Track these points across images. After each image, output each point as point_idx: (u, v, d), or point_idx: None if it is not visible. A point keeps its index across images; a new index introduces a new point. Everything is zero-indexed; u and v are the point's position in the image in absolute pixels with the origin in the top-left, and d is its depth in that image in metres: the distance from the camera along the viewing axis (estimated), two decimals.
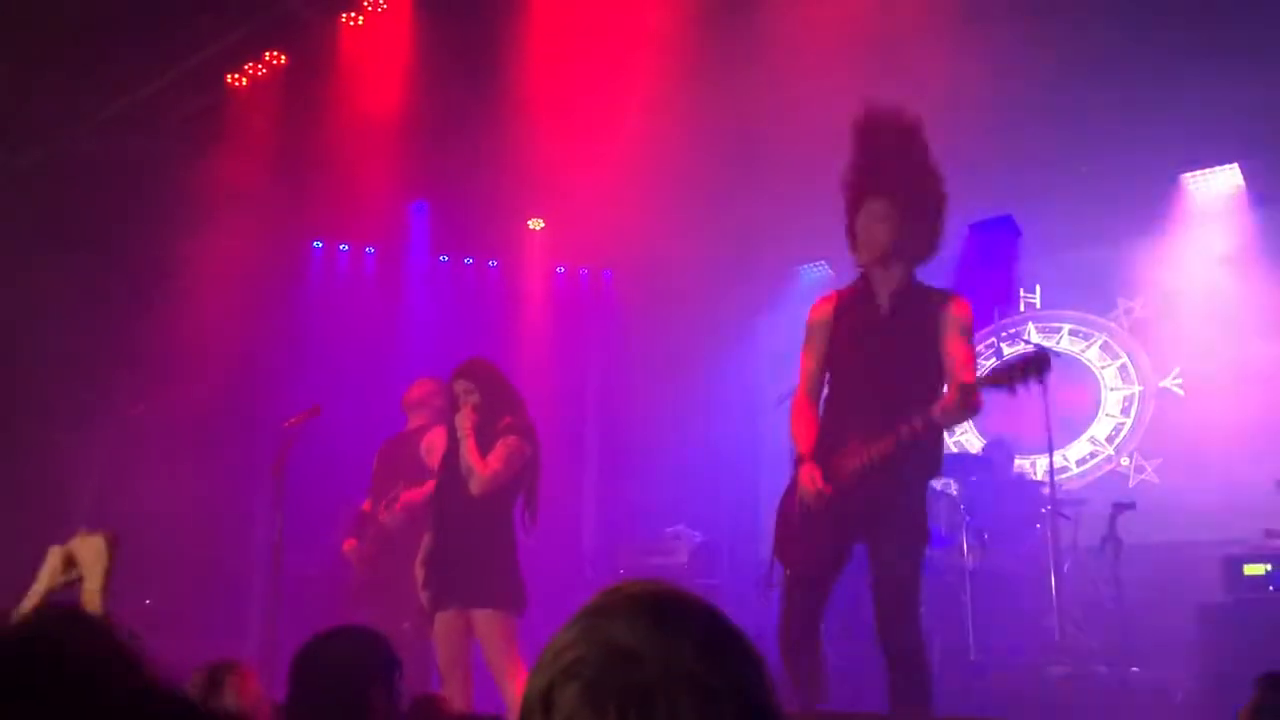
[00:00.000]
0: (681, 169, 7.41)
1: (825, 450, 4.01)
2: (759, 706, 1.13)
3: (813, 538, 4.01)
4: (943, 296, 4.06)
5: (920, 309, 4.02)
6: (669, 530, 8.65)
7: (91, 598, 2.79)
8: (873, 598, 3.95)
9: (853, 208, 4.15)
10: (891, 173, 4.08)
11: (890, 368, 3.96)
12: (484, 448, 5.06)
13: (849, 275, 9.02)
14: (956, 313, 3.99)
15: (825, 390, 4.19)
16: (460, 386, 5.18)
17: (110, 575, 2.86)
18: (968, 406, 3.75)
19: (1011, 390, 3.73)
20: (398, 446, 6.55)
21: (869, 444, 3.84)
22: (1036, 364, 3.69)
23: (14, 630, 1.46)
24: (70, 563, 2.84)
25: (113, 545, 2.91)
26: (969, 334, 4.02)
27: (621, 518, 9.30)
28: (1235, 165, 8.05)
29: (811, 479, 3.93)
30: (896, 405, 3.84)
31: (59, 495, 8.08)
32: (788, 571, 4.11)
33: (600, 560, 9.24)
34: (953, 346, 3.92)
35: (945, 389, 3.86)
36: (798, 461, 4.07)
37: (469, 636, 5.07)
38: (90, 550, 2.88)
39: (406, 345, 9.27)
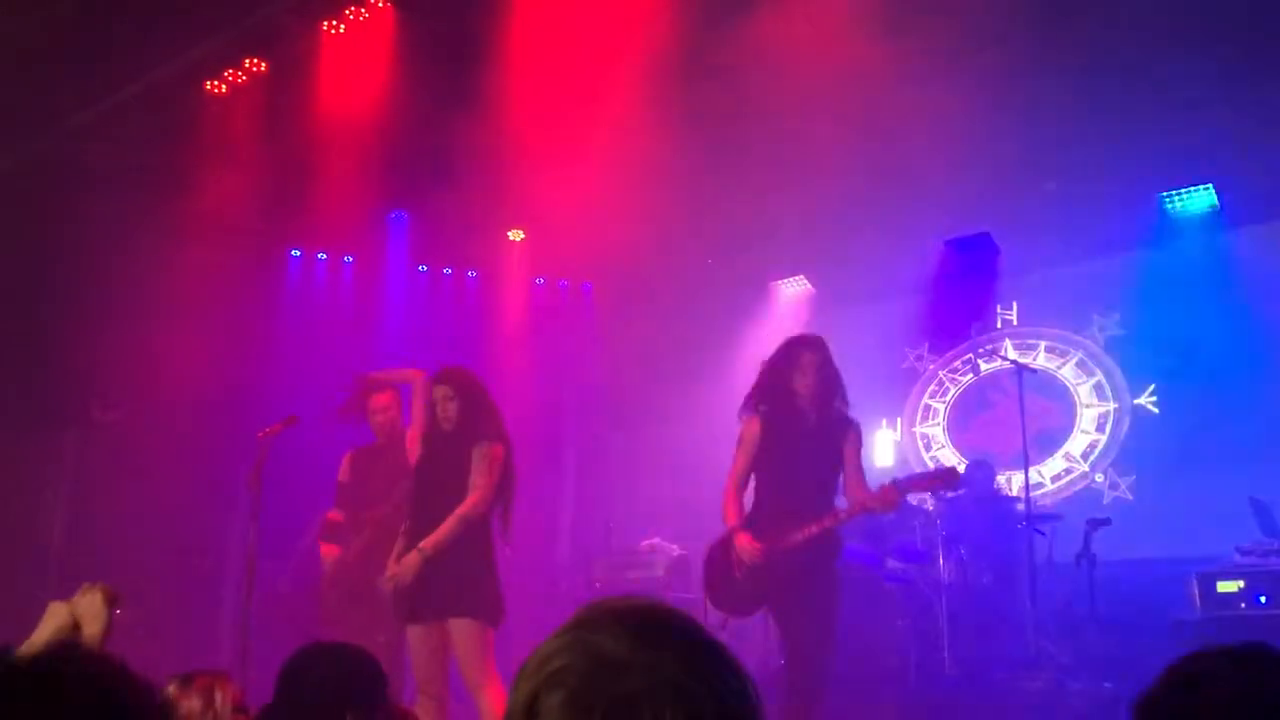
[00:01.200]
0: (662, 182, 7.42)
1: (764, 523, 5.10)
2: (740, 711, 1.14)
3: (753, 593, 5.11)
4: (847, 421, 5.29)
5: (833, 424, 5.25)
6: (645, 543, 8.63)
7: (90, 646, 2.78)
8: (793, 644, 5.02)
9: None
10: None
11: (817, 463, 5.18)
12: (460, 453, 5.08)
13: (826, 290, 9.01)
14: (856, 436, 5.30)
15: (754, 479, 5.31)
16: (440, 392, 5.20)
17: (109, 629, 2.88)
18: (893, 503, 5.11)
19: (934, 495, 5.66)
20: (372, 459, 6.50)
21: (809, 522, 4.99)
22: (947, 480, 5.31)
23: (29, 662, 1.54)
24: (75, 622, 2.87)
25: (110, 601, 2.93)
26: (861, 454, 5.34)
27: (598, 530, 9.27)
28: (1210, 185, 8.12)
29: (751, 546, 5.00)
30: (822, 492, 5.17)
31: (32, 503, 8.01)
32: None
33: (575, 573, 9.21)
34: (852, 462, 5.23)
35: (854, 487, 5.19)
36: (732, 531, 5.11)
37: (446, 649, 5.04)
38: (89, 605, 2.92)
39: (384, 355, 9.23)
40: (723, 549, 5.21)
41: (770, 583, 5.03)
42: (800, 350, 5.31)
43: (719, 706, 1.11)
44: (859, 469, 5.27)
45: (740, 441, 5.34)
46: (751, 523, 5.16)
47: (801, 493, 5.14)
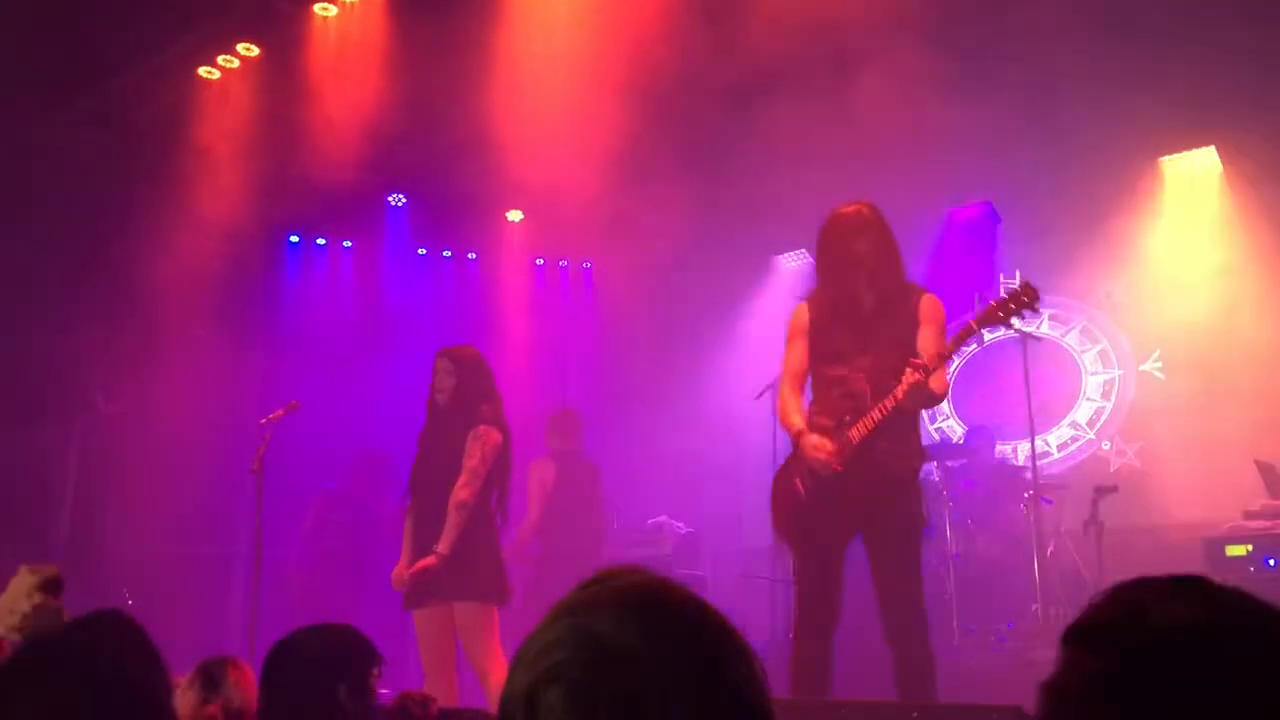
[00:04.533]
0: (660, 158, 7.38)
1: (823, 429, 4.26)
2: (752, 705, 1.08)
3: (819, 514, 4.22)
4: (909, 290, 4.43)
5: (895, 299, 4.38)
6: (651, 521, 8.63)
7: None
8: (876, 585, 4.19)
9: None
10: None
11: (883, 349, 4.27)
12: (455, 431, 5.09)
13: None
14: (929, 304, 4.37)
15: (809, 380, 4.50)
16: (441, 365, 5.22)
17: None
18: (945, 363, 4.24)
19: (1008, 325, 4.42)
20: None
21: (867, 414, 4.17)
22: (1026, 297, 4.27)
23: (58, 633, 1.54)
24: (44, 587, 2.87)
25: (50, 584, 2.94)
26: (942, 326, 4.37)
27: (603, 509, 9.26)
28: (1212, 147, 8.06)
29: (820, 447, 4.18)
30: (883, 387, 4.18)
31: (38, 493, 8.01)
32: (798, 553, 4.36)
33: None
34: (927, 332, 4.31)
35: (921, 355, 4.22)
36: (798, 436, 4.27)
37: (452, 632, 5.04)
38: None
39: (385, 339, 9.22)
40: (787, 465, 4.36)
41: (846, 500, 4.18)
42: (847, 218, 4.44)
43: (727, 695, 1.06)
44: (934, 338, 4.28)
45: (789, 334, 4.54)
46: (812, 427, 4.29)
47: (859, 390, 4.26)
